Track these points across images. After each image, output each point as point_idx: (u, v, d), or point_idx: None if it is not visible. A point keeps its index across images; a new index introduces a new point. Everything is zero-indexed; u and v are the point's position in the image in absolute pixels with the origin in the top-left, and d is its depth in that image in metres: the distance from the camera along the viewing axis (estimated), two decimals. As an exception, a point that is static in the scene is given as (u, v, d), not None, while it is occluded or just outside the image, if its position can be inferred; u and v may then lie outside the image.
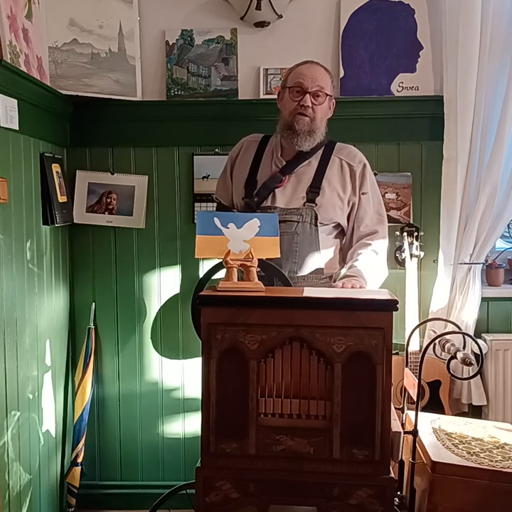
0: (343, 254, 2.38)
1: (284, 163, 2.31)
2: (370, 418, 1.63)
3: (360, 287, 2.09)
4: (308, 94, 2.22)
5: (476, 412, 2.82)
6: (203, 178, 2.86)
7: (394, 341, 1.68)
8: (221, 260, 1.84)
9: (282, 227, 2.14)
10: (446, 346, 1.88)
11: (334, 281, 2.31)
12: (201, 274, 2.62)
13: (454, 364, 2.17)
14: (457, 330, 1.92)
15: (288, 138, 2.27)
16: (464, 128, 2.67)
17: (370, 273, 2.22)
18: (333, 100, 2.32)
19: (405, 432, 1.82)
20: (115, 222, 2.89)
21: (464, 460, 1.81)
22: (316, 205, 2.26)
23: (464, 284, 2.76)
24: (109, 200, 2.88)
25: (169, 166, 2.90)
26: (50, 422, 2.66)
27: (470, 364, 1.74)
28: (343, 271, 2.28)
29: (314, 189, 2.28)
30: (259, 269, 2.01)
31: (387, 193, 2.82)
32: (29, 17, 2.44)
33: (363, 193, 2.32)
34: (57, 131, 2.77)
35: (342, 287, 2.07)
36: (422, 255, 2.67)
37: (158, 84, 2.87)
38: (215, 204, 2.59)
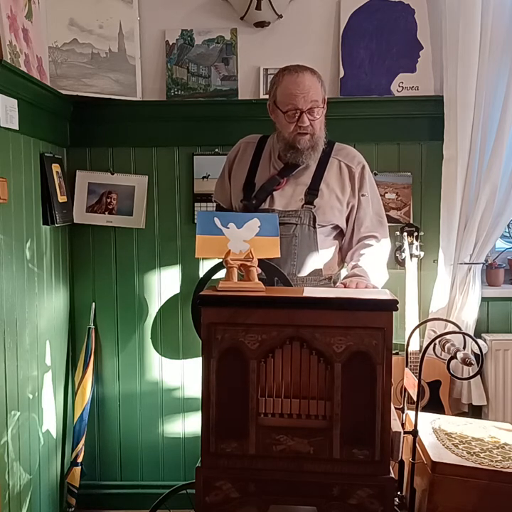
0: (342, 255, 2.37)
1: (282, 165, 2.29)
2: (370, 418, 1.63)
3: (365, 287, 2.07)
4: (303, 114, 2.16)
5: (476, 412, 2.83)
6: (203, 178, 2.86)
7: (394, 341, 1.68)
8: (221, 260, 1.84)
9: (280, 230, 2.11)
10: (446, 346, 1.88)
11: (334, 283, 2.31)
12: (201, 274, 2.61)
13: (454, 364, 2.17)
14: (457, 330, 1.92)
15: (292, 157, 2.22)
16: (464, 128, 2.67)
17: (373, 273, 2.20)
18: (325, 97, 2.24)
19: (405, 432, 1.82)
20: (115, 222, 2.89)
21: (464, 460, 1.81)
22: (315, 207, 2.25)
23: (463, 284, 2.76)
24: (109, 200, 2.88)
25: (169, 166, 2.90)
26: (50, 422, 2.66)
27: (470, 364, 1.74)
28: (344, 271, 2.27)
29: (313, 191, 2.25)
30: (260, 272, 2.00)
31: (387, 193, 2.82)
32: (29, 17, 2.44)
33: (362, 195, 2.30)
34: (57, 131, 2.77)
35: (347, 287, 2.06)
36: (422, 255, 2.67)
37: (158, 84, 2.87)
38: (214, 205, 2.58)
